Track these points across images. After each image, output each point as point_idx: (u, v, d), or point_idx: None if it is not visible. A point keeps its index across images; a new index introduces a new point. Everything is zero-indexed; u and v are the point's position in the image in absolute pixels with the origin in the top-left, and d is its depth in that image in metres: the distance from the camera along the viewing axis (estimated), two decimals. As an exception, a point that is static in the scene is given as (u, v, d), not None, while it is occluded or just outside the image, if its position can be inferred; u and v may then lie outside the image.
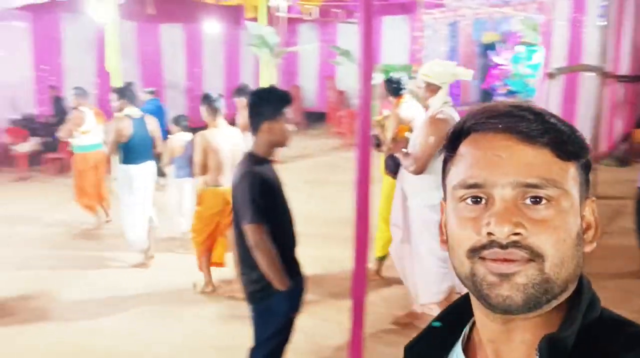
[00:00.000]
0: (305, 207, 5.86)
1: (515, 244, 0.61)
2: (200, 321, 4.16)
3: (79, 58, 11.56)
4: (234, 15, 13.04)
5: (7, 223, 6.73)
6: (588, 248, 0.67)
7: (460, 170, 0.67)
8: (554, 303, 0.64)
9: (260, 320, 2.59)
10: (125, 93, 5.28)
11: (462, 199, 0.66)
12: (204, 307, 4.42)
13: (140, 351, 3.74)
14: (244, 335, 2.79)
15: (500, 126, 0.65)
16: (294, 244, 2.68)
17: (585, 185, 0.68)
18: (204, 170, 4.32)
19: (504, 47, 11.74)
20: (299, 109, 13.99)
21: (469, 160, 0.67)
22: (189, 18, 13.15)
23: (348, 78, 12.04)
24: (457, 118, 3.35)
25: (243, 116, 5.12)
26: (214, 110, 4.37)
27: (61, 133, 6.37)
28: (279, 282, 2.46)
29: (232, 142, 4.38)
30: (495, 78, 11.96)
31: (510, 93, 11.78)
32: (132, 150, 5.12)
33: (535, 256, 0.61)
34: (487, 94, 12.28)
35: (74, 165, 6.40)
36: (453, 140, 0.70)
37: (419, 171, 3.36)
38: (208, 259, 4.63)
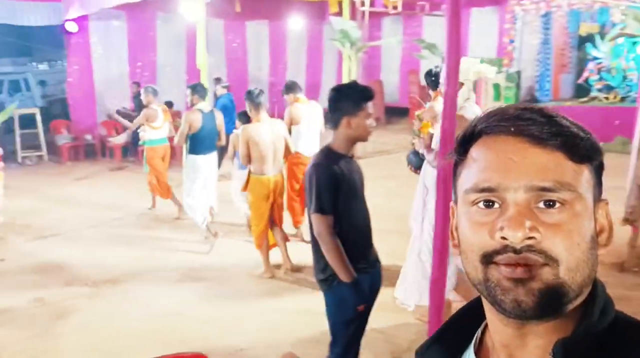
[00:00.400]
0: (382, 202, 5.80)
1: (529, 249, 0.60)
2: (273, 309, 4.22)
3: (171, 55, 12.14)
4: (318, 10, 13.14)
5: (101, 207, 7.27)
6: (602, 251, 0.66)
7: (472, 174, 0.66)
8: (569, 307, 0.63)
9: (329, 309, 2.66)
10: (197, 89, 5.64)
11: (474, 203, 0.65)
12: (278, 297, 4.48)
13: (214, 338, 3.85)
14: (319, 326, 2.78)
15: (512, 129, 0.64)
16: (366, 239, 2.69)
17: (598, 187, 0.67)
18: (248, 160, 4.66)
19: (603, 39, 10.96)
20: (380, 104, 13.85)
21: (481, 163, 0.65)
22: (274, 14, 13.41)
23: (432, 72, 11.73)
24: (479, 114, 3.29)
25: (289, 112, 5.47)
26: (257, 105, 4.66)
27: (131, 125, 7.02)
28: (342, 273, 2.50)
29: (273, 134, 4.66)
30: (591, 72, 11.22)
31: (608, 88, 11.01)
32: (199, 142, 5.50)
33: (550, 260, 0.60)
34: (582, 89, 11.55)
35: (147, 157, 6.83)
36: (464, 143, 0.69)
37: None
38: (267, 246, 4.88)
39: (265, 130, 4.66)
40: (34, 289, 4.71)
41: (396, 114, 14.59)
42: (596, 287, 0.66)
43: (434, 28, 12.17)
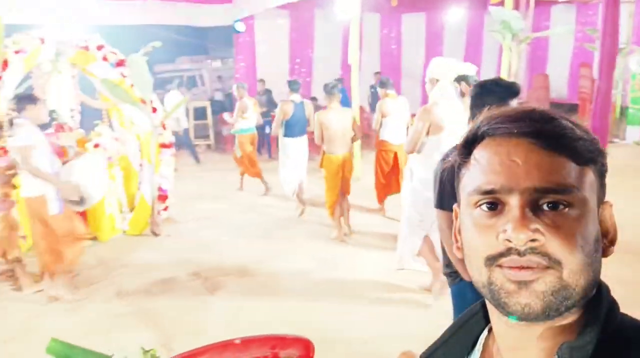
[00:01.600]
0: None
1: (533, 251, 0.60)
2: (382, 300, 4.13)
3: (327, 51, 12.53)
4: (479, 0, 12.51)
5: (254, 194, 7.80)
6: (607, 254, 0.66)
7: (475, 176, 0.66)
8: (574, 310, 0.63)
9: (453, 303, 2.68)
10: (292, 85, 6.56)
11: (478, 205, 0.65)
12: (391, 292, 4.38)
13: (349, 337, 3.89)
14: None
15: (515, 131, 0.64)
16: None
17: (602, 189, 0.66)
18: (322, 140, 5.62)
19: None
20: (544, 99, 12.80)
21: (484, 165, 0.65)
22: (432, 6, 13.09)
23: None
24: (448, 109, 4.04)
25: (379, 106, 6.27)
26: (330, 95, 5.61)
27: (230, 119, 8.12)
28: (462, 272, 2.43)
29: (341, 120, 5.60)
30: None
31: None
32: (290, 127, 6.46)
33: (554, 263, 0.60)
34: None
35: (238, 143, 7.95)
36: (467, 145, 0.68)
37: (409, 151, 4.25)
38: (339, 213, 5.81)
39: (335, 116, 5.59)
40: (192, 264, 5.22)
41: (563, 110, 13.32)
42: (601, 289, 0.66)
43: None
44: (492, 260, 0.62)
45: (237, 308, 4.29)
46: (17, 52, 5.43)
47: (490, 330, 0.73)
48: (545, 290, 0.60)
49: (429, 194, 2.62)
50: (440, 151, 3.80)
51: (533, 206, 0.61)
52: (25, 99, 4.57)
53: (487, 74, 12.88)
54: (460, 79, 4.18)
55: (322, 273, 4.94)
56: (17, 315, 4.30)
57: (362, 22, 9.09)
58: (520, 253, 0.60)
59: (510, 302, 0.61)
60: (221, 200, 7.79)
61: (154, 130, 6.21)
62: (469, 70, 4.27)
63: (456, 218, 0.72)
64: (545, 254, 0.60)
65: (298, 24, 12.33)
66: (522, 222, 0.60)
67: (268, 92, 11.69)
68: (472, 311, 0.79)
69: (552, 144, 0.62)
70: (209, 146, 12.13)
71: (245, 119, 7.87)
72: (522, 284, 0.60)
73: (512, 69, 8.97)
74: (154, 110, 6.20)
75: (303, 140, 6.60)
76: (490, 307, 0.68)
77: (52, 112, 6.20)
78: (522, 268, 0.60)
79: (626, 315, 0.66)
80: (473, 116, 2.49)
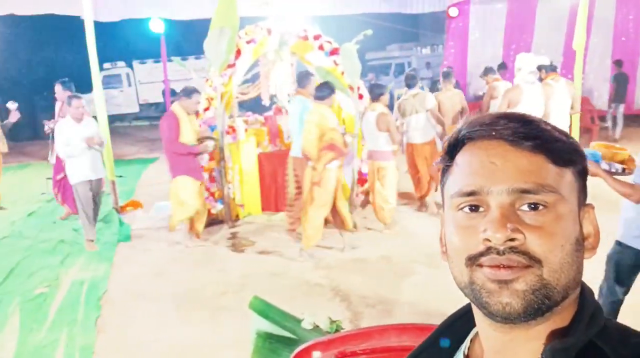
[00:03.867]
0: None
1: (512, 250, 0.61)
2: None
3: (548, 36, 11.52)
4: None
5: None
6: (588, 256, 0.67)
7: (456, 179, 0.68)
8: (555, 310, 0.63)
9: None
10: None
11: (460, 208, 0.66)
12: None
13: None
14: None
15: (493, 133, 0.65)
16: None
17: (583, 191, 0.68)
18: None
19: None
20: None
21: (464, 168, 0.67)
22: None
23: None
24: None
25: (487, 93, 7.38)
26: (445, 80, 7.04)
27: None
28: None
29: (452, 100, 6.91)
30: None
31: None
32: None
33: (533, 262, 0.61)
34: None
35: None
36: (450, 151, 0.70)
37: None
38: None
39: (447, 98, 6.87)
40: (384, 248, 5.38)
41: None
42: (585, 293, 0.67)
43: None
44: (473, 260, 0.63)
45: (428, 294, 4.31)
46: (248, 42, 6.16)
47: (476, 334, 0.74)
48: (526, 289, 0.60)
49: None
50: None
51: (512, 206, 0.62)
52: (183, 91, 5.41)
53: None
54: None
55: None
56: (234, 272, 4.96)
57: (592, 3, 8.15)
58: (499, 253, 0.61)
59: (492, 301, 0.61)
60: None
61: (358, 116, 6.49)
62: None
63: (442, 224, 0.72)
64: (524, 253, 0.60)
65: (517, 8, 11.56)
66: (500, 221, 0.61)
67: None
68: (459, 312, 0.79)
69: (530, 144, 0.63)
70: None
71: None
72: (503, 283, 0.61)
73: None
74: (360, 96, 6.47)
75: None
76: (475, 310, 0.68)
77: (272, 96, 6.91)
78: (502, 267, 0.61)
79: (610, 319, 0.66)
80: None
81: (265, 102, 6.95)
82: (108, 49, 14.55)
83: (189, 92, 5.36)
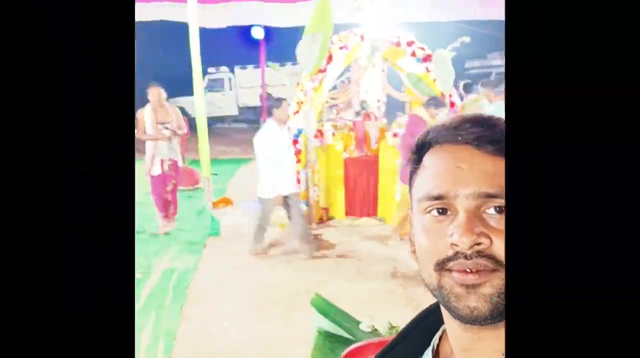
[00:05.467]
0: None
1: (479, 254, 0.61)
2: None
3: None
4: None
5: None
6: None
7: (424, 182, 0.68)
8: None
9: None
10: None
11: (427, 211, 0.66)
12: None
13: None
14: None
15: (459, 138, 0.66)
16: None
17: None
18: None
19: None
20: None
21: (431, 171, 0.68)
22: None
23: None
24: None
25: None
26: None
27: None
28: None
29: None
30: None
31: None
32: None
33: (500, 266, 0.61)
34: None
35: None
36: (417, 152, 0.71)
37: None
38: None
39: None
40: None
41: None
42: None
43: None
44: (441, 265, 0.63)
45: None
46: (341, 48, 6.25)
47: (444, 332, 0.75)
48: (493, 292, 0.61)
49: None
50: None
51: (479, 210, 0.63)
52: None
53: None
54: None
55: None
56: (311, 273, 5.05)
57: None
58: (467, 257, 0.61)
59: (460, 305, 0.63)
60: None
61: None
62: None
63: (410, 224, 0.73)
64: (491, 257, 0.61)
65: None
66: (467, 226, 0.61)
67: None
68: (430, 308, 0.80)
69: (495, 149, 0.63)
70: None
71: None
72: (470, 288, 0.62)
73: None
74: (452, 104, 6.32)
75: None
76: (444, 310, 0.69)
77: (362, 102, 6.95)
78: (469, 272, 0.61)
79: None
80: None
81: (355, 107, 7.01)
82: (212, 54, 15.36)
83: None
